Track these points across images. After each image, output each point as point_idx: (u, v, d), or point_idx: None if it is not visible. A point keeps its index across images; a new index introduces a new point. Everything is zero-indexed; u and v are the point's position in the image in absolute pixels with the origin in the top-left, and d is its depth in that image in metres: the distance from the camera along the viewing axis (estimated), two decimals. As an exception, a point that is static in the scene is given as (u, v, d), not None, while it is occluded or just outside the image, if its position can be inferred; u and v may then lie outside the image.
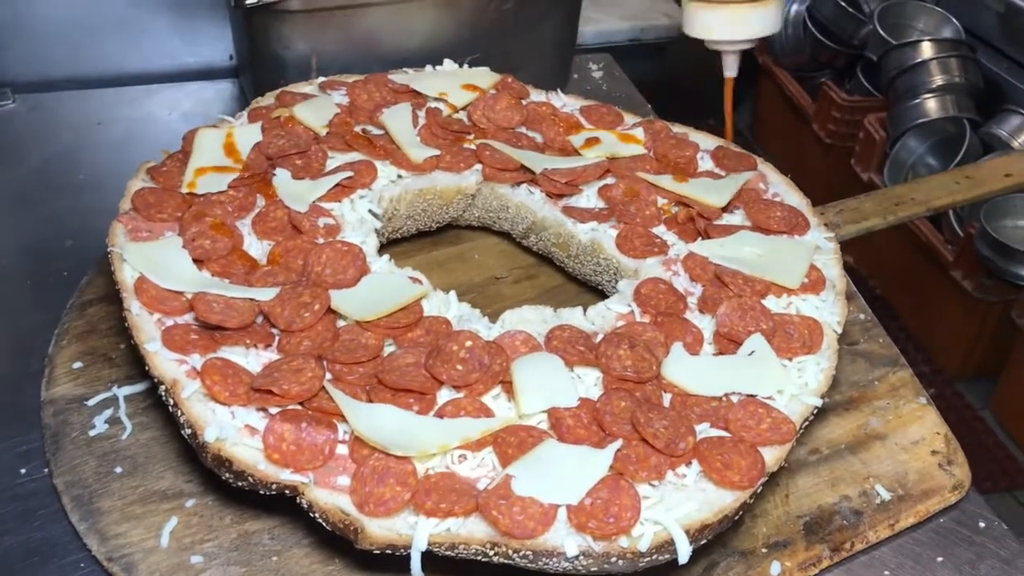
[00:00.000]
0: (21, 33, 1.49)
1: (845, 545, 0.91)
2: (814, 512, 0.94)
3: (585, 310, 1.02)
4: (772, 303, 1.02)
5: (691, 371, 0.93)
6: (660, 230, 1.12)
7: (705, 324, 0.99)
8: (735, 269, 1.04)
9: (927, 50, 2.71)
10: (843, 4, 2.92)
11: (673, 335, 0.97)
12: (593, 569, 0.78)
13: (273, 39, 1.35)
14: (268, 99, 1.24)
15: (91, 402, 0.97)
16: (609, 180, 1.18)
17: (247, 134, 1.15)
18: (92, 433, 0.94)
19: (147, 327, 0.90)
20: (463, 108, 1.27)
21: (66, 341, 1.03)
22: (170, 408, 0.86)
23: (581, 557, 0.77)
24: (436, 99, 1.26)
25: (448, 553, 0.78)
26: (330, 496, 0.80)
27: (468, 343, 0.92)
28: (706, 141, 1.27)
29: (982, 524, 0.97)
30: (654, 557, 0.79)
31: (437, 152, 1.19)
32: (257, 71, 1.41)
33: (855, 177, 2.83)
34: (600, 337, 0.96)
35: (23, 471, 0.92)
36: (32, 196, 1.30)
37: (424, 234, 1.23)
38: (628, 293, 1.03)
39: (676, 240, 1.11)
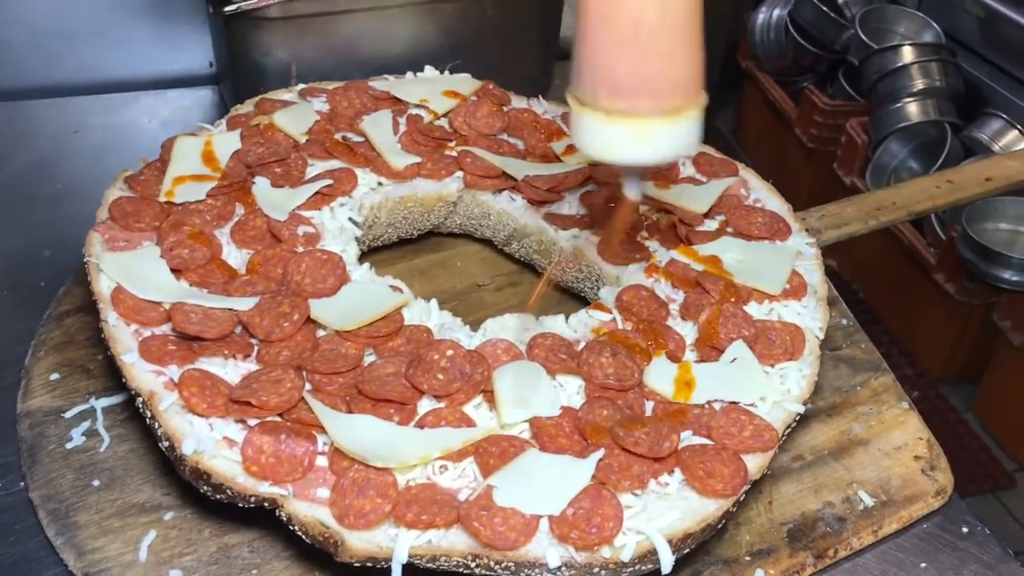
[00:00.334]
0: (-3, 40, 1.48)
1: (829, 552, 0.91)
2: (797, 519, 0.94)
3: (567, 317, 1.02)
4: (754, 309, 1.02)
5: (673, 379, 0.92)
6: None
7: (687, 331, 0.99)
8: (716, 275, 1.04)
9: (908, 54, 2.73)
10: (825, 8, 2.94)
11: (655, 342, 0.96)
12: (576, 580, 0.78)
13: (252, 46, 1.34)
14: (247, 106, 1.23)
15: (68, 414, 0.95)
16: (591, 187, 1.18)
17: (226, 142, 1.14)
18: (69, 446, 0.93)
19: (124, 338, 0.89)
20: (444, 115, 1.26)
21: (43, 352, 1.02)
22: (148, 420, 0.85)
23: (563, 568, 0.77)
24: (417, 106, 1.25)
25: (430, 565, 0.78)
26: (309, 508, 0.79)
27: (449, 352, 0.91)
28: (688, 147, 1.26)
29: (965, 529, 0.97)
30: (637, 567, 0.79)
31: (418, 159, 1.18)
32: (237, 78, 1.40)
33: (838, 181, 2.84)
34: (582, 345, 0.96)
35: (-2, 485, 0.91)
36: (8, 206, 1.28)
37: (405, 241, 1.23)
38: (610, 300, 1.03)
39: (658, 247, 1.11)
